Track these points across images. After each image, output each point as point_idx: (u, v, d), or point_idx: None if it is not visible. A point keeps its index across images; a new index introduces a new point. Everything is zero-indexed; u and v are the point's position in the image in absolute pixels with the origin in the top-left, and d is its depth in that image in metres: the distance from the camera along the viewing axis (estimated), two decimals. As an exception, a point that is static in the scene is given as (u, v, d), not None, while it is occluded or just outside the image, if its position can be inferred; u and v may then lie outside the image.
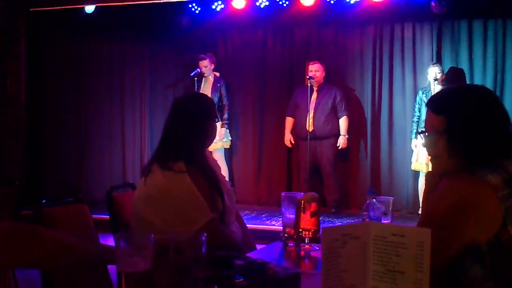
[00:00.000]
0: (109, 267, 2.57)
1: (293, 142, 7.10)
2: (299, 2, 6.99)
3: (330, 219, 6.49)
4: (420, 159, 6.43)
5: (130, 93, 8.05)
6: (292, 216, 2.41)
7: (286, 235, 2.49)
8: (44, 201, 2.43)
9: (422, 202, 2.08)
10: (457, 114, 1.77)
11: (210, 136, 2.68)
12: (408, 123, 6.87)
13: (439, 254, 1.58)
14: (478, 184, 1.65)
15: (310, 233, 2.34)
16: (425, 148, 1.90)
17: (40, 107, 8.04)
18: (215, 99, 6.84)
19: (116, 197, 2.79)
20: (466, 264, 1.64)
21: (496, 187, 1.63)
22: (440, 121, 1.78)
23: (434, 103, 1.85)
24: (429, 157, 1.92)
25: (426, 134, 1.86)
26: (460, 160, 1.76)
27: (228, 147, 7.31)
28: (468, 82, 6.62)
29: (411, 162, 6.58)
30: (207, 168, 2.59)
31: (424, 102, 6.40)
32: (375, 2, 6.83)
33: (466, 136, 1.75)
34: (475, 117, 1.75)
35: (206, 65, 7.17)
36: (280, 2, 7.14)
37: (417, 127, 6.51)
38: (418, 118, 6.52)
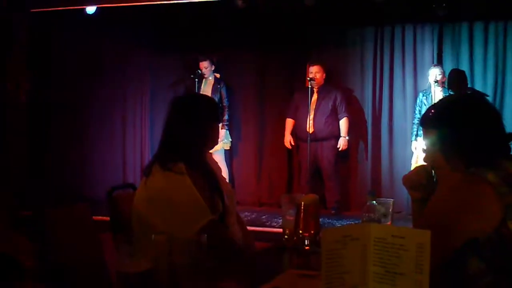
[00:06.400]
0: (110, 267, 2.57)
1: (293, 143, 7.09)
2: (300, 3, 6.98)
3: (330, 220, 6.48)
4: (420, 161, 6.41)
5: (131, 93, 8.07)
6: (292, 218, 2.41)
7: (286, 236, 2.49)
8: (45, 201, 2.43)
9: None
10: (445, 125, 1.86)
11: (212, 138, 2.68)
12: (408, 125, 6.87)
13: (440, 252, 1.61)
14: (477, 182, 1.70)
15: (311, 235, 2.34)
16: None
17: (42, 107, 8.03)
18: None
19: (116, 198, 2.79)
20: (465, 258, 1.66)
21: (495, 184, 1.67)
22: (432, 135, 1.90)
23: (425, 120, 1.98)
24: None
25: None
26: (460, 166, 1.81)
27: (228, 148, 7.30)
28: (469, 84, 6.63)
29: (411, 164, 6.57)
30: (208, 169, 2.59)
31: (425, 104, 6.41)
32: (376, 3, 6.82)
33: (456, 144, 1.83)
34: (462, 125, 1.83)
35: (206, 66, 7.17)
36: (281, 3, 7.12)
37: (417, 129, 6.51)
38: (419, 120, 6.52)
